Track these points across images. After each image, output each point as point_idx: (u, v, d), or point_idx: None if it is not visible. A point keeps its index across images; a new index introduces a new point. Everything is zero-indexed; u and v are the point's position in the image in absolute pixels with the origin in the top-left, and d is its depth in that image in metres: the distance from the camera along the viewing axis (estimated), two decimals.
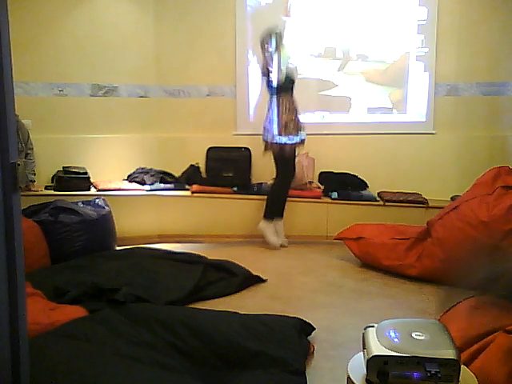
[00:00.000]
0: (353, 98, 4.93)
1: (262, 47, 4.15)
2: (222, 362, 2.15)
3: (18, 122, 4.12)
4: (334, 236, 4.05)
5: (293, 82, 4.18)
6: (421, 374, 1.54)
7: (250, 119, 4.90)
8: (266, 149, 4.23)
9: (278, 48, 4.08)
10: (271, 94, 4.15)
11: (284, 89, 4.11)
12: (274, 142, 4.10)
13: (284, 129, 4.07)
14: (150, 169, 4.79)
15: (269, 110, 4.16)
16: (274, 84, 4.08)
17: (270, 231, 4.27)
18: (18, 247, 1.27)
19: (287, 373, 2.11)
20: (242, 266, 3.51)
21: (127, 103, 4.83)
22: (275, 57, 4.06)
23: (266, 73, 4.16)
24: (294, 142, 4.12)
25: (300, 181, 4.63)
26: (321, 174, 4.82)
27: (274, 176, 4.33)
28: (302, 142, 4.20)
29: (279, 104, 4.10)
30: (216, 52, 4.85)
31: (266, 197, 4.45)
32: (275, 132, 4.08)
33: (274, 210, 4.28)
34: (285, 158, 4.17)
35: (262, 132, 4.21)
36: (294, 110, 4.14)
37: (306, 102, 4.69)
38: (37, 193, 4.27)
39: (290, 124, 4.09)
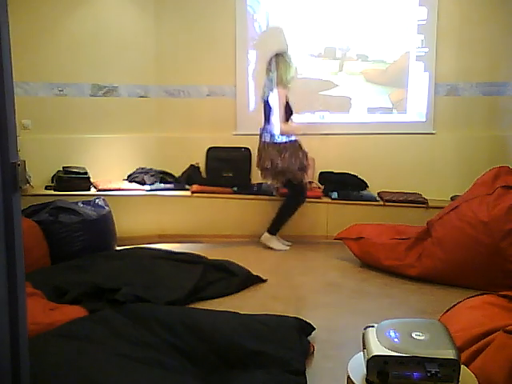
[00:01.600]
0: (353, 98, 4.93)
1: (267, 72, 4.15)
2: (222, 362, 2.15)
3: None
4: (334, 236, 4.05)
5: (291, 112, 4.15)
6: (421, 374, 1.54)
7: (249, 119, 4.90)
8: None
9: (278, 71, 4.05)
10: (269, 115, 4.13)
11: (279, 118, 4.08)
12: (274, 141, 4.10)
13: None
14: (150, 169, 4.79)
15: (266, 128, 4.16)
16: (273, 107, 4.05)
17: (274, 241, 4.27)
18: (17, 247, 1.26)
19: (287, 373, 2.11)
20: (242, 266, 3.51)
21: (127, 103, 4.82)
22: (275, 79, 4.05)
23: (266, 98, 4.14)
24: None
25: None
26: (321, 174, 4.82)
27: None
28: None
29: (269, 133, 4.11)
30: (216, 52, 4.85)
31: (265, 196, 4.47)
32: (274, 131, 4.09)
33: (280, 226, 4.28)
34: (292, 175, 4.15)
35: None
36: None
37: (306, 102, 4.69)
38: (37, 193, 4.27)
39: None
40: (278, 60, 4.10)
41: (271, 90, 4.08)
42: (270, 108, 4.11)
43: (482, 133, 4.84)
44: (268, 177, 4.23)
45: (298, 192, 4.25)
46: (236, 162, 4.77)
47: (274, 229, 4.27)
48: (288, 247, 4.28)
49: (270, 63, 4.13)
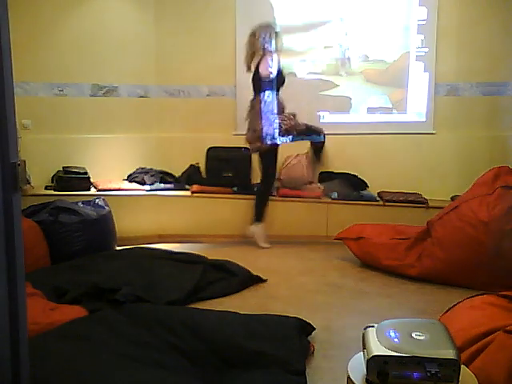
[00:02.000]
0: (353, 98, 4.93)
1: (254, 37, 4.14)
2: (222, 362, 2.15)
3: None
4: (334, 236, 4.05)
5: (283, 80, 4.20)
6: (421, 374, 1.54)
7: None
8: (254, 150, 4.28)
9: (270, 40, 4.11)
10: (260, 91, 4.11)
11: (276, 86, 4.11)
12: (272, 143, 4.10)
13: (284, 129, 4.09)
14: (150, 169, 4.79)
15: (259, 111, 4.11)
16: (274, 74, 4.07)
17: (261, 236, 4.28)
18: (18, 247, 1.27)
19: (287, 373, 2.11)
20: (242, 266, 3.51)
21: (127, 103, 4.82)
22: (273, 49, 4.10)
23: (253, 67, 4.16)
24: (287, 142, 4.15)
25: (300, 181, 4.63)
26: (321, 173, 4.82)
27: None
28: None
29: (270, 102, 4.09)
30: (216, 52, 4.85)
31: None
32: (275, 134, 4.08)
33: (263, 212, 4.30)
34: (271, 159, 4.24)
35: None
36: (282, 111, 4.16)
37: (306, 102, 4.69)
38: (37, 193, 4.27)
39: (284, 123, 4.11)
40: (267, 30, 4.14)
41: (259, 58, 4.12)
42: (260, 78, 4.11)
43: (482, 133, 4.84)
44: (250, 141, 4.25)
45: (269, 176, 4.32)
46: (236, 162, 4.77)
47: (258, 216, 4.28)
48: (269, 246, 4.29)
49: (263, 31, 4.14)
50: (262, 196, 4.33)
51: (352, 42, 4.85)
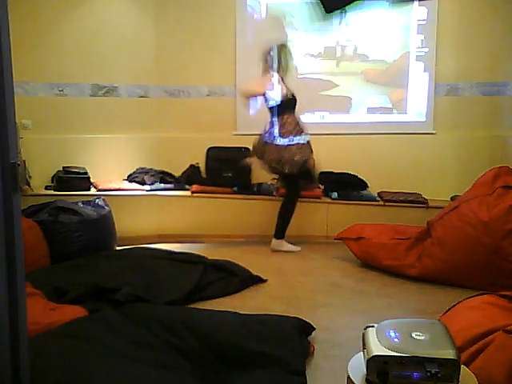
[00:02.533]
0: (353, 98, 4.93)
1: (264, 60, 4.11)
2: (222, 362, 2.16)
3: None
4: (334, 236, 4.05)
5: (295, 100, 4.10)
6: (421, 374, 1.54)
7: (249, 119, 4.89)
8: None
9: (280, 61, 4.04)
10: (272, 114, 4.07)
11: (287, 107, 4.04)
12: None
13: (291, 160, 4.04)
14: (150, 169, 4.79)
15: (269, 131, 4.08)
16: (273, 103, 4.02)
17: (284, 244, 4.20)
18: (18, 247, 1.27)
19: (287, 373, 2.11)
20: (242, 266, 3.51)
21: (127, 103, 4.82)
22: (277, 71, 4.04)
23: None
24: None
25: None
26: (321, 173, 4.81)
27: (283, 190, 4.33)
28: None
29: (281, 125, 4.02)
30: (216, 52, 4.85)
31: (265, 196, 4.48)
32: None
33: (285, 228, 4.19)
34: (292, 173, 4.12)
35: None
36: (299, 132, 4.08)
37: (305, 102, 4.69)
38: (37, 193, 4.27)
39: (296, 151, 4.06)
40: (282, 51, 4.08)
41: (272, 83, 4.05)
42: (272, 108, 4.07)
43: (482, 133, 4.85)
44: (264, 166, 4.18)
45: (294, 190, 4.22)
46: (236, 162, 4.77)
47: (280, 233, 4.20)
48: (299, 248, 4.22)
49: (269, 52, 4.08)
50: (286, 212, 4.18)
51: (352, 42, 4.84)
